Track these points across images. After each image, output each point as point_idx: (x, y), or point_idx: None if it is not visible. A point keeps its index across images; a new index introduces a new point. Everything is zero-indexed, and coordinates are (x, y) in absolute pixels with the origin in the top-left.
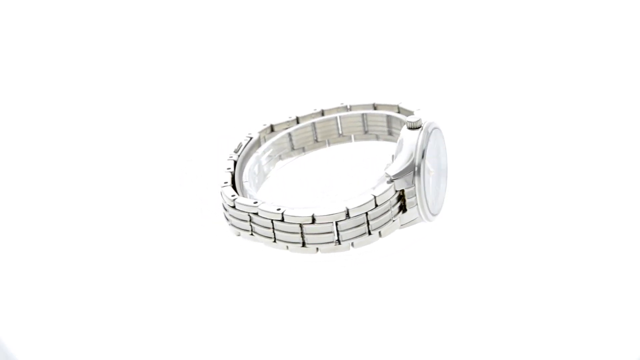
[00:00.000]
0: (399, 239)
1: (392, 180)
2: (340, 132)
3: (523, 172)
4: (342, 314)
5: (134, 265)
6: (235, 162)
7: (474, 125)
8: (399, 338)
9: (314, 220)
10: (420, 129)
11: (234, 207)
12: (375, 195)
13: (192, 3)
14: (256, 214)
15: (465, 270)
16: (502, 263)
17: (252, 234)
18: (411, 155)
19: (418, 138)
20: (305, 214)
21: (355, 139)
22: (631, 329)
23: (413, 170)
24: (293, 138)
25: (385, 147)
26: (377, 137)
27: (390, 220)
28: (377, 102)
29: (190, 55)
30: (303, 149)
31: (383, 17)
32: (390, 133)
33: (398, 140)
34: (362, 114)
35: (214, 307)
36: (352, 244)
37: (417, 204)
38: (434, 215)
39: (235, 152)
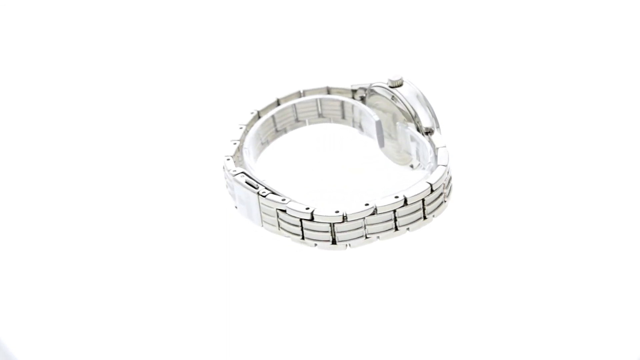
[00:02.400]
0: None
1: (431, 132)
2: (320, 112)
3: (519, 166)
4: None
5: (135, 265)
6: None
7: (467, 116)
8: (404, 336)
9: (405, 202)
10: (405, 82)
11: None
12: (444, 145)
13: None
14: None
15: (467, 268)
16: (502, 262)
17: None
18: (422, 103)
19: (415, 88)
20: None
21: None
22: (631, 329)
23: (433, 114)
24: (276, 120)
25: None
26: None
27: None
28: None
29: (168, 42)
30: (285, 130)
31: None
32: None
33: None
34: (341, 101)
35: (220, 304)
36: (444, 198)
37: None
38: None
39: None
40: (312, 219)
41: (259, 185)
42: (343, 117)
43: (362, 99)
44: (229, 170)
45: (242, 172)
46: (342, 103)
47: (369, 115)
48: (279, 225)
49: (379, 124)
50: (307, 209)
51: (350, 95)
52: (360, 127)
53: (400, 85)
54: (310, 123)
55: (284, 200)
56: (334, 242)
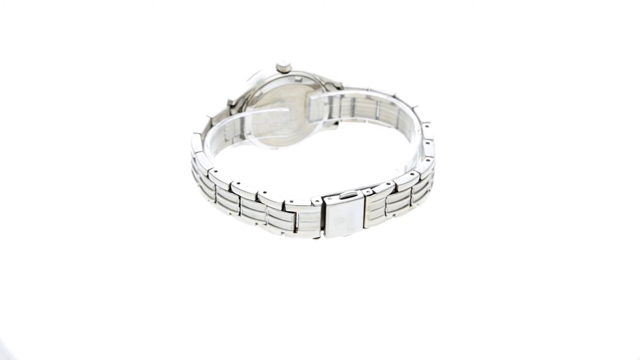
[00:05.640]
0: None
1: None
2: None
3: (506, 163)
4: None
5: (135, 265)
6: None
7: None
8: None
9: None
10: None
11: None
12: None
13: None
14: None
15: (461, 267)
16: (495, 261)
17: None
18: (312, 69)
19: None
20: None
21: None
22: (631, 329)
23: None
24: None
25: None
26: None
27: None
28: None
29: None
30: (232, 141)
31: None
32: None
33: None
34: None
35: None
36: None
37: None
38: None
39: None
40: (419, 181)
41: (355, 190)
42: (225, 140)
43: (240, 110)
44: (313, 203)
45: (324, 197)
46: (224, 127)
47: (271, 113)
48: (385, 213)
49: (290, 113)
50: (412, 174)
51: (228, 114)
52: (241, 137)
53: (288, 70)
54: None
55: (388, 184)
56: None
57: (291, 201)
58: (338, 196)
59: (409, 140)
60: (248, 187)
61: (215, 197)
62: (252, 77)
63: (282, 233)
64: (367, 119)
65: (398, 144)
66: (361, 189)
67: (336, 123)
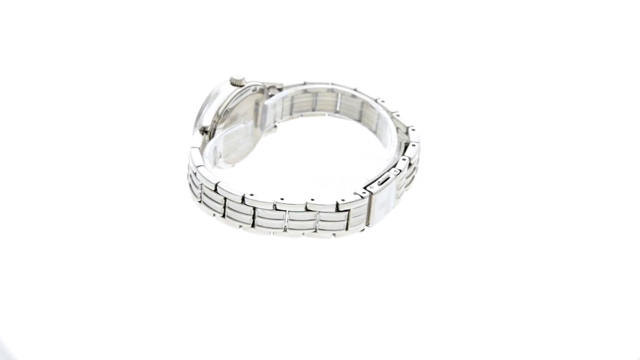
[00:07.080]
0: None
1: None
2: None
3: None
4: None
5: (133, 265)
6: None
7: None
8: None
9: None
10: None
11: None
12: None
13: None
14: None
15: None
16: (489, 262)
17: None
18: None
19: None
20: None
21: None
22: (631, 329)
23: None
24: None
25: None
26: None
27: None
28: None
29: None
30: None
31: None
32: None
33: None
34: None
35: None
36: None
37: None
38: None
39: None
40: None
41: (386, 174)
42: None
43: (211, 135)
44: (362, 195)
45: (366, 188)
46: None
47: (234, 131)
48: (405, 186)
49: (252, 124)
50: (414, 145)
51: (204, 142)
52: (214, 164)
53: (245, 81)
54: None
55: (404, 159)
56: None
57: (343, 200)
58: (376, 183)
59: (359, 120)
60: (294, 200)
61: (253, 221)
62: (212, 98)
63: (334, 234)
64: (302, 114)
65: (338, 129)
66: (387, 170)
67: (275, 126)
